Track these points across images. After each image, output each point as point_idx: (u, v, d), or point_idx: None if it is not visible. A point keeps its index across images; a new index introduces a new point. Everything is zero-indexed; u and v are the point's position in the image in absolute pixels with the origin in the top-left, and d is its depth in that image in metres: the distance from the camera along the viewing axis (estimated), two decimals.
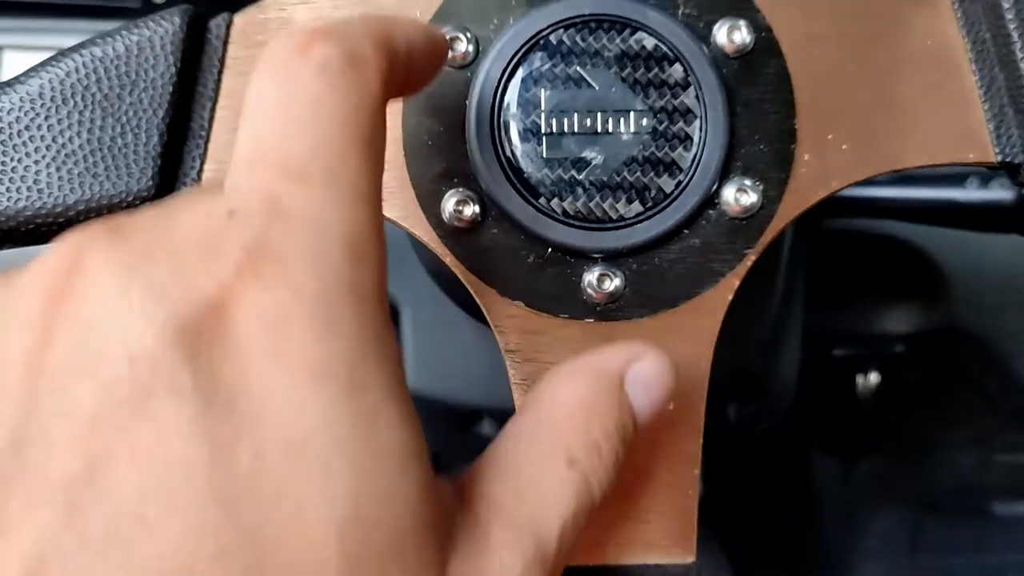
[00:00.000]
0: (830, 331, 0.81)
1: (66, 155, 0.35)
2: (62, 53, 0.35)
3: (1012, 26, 0.38)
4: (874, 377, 0.91)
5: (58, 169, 0.35)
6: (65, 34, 0.73)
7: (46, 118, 0.35)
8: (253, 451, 0.22)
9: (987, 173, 0.63)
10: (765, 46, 0.38)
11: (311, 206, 0.25)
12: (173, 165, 0.36)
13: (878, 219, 0.72)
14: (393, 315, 0.67)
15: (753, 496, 1.30)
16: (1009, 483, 1.02)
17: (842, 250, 0.75)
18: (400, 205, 0.38)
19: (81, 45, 0.36)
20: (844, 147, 0.38)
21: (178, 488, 0.21)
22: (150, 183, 0.35)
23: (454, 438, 0.71)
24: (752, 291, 0.59)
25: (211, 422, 0.22)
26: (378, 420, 0.24)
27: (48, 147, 0.35)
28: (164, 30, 0.36)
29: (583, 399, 0.32)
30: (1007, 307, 0.74)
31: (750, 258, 0.38)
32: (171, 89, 0.36)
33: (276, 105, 0.26)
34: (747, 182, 0.38)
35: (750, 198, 0.38)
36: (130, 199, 0.35)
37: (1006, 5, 0.38)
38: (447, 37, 0.37)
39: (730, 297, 0.39)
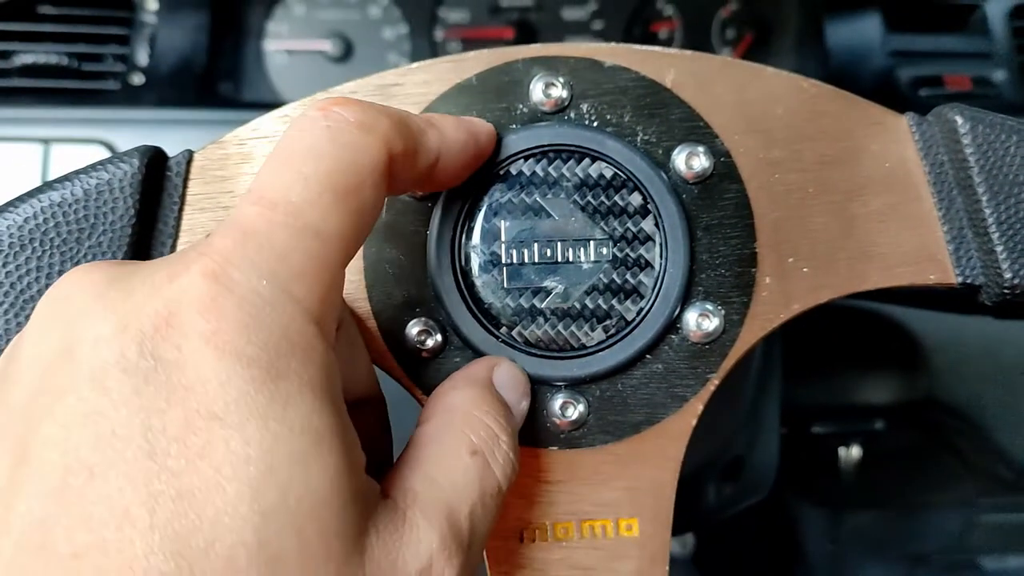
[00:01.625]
0: (810, 407, 0.81)
1: (23, 302, 0.35)
2: (19, 198, 0.35)
3: (969, 150, 0.38)
4: (856, 451, 0.91)
5: (16, 316, 0.35)
6: (51, 124, 0.73)
7: (3, 264, 0.35)
8: (183, 417, 0.26)
9: None
10: (724, 171, 0.38)
11: (266, 227, 0.29)
12: None
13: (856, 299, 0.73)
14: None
15: (744, 552, 1.30)
16: (996, 543, 1.01)
17: (819, 325, 0.75)
18: (362, 334, 0.38)
19: (39, 189, 0.36)
20: (805, 270, 0.38)
21: (119, 445, 0.26)
22: None
23: None
24: (729, 374, 0.59)
25: (150, 393, 0.26)
26: (292, 403, 0.27)
27: (6, 295, 0.35)
28: (123, 172, 0.36)
29: (472, 401, 0.36)
30: (983, 379, 0.74)
31: (713, 382, 0.38)
32: (130, 231, 0.36)
33: (282, 147, 0.30)
34: (709, 307, 0.38)
35: (712, 323, 0.38)
36: None
37: (963, 130, 0.38)
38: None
39: (694, 422, 0.39)
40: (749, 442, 0.68)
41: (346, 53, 0.93)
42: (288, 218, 0.29)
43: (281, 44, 0.93)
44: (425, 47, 0.93)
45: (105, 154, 0.71)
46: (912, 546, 1.07)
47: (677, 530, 1.01)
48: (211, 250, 0.28)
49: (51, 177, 0.68)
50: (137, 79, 0.83)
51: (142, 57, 0.85)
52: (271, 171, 0.30)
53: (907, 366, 0.76)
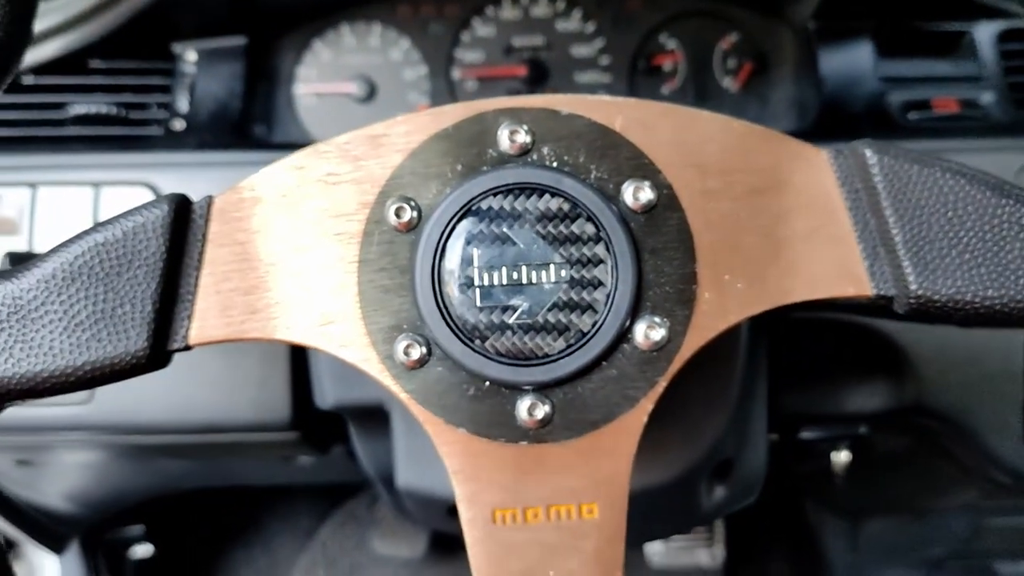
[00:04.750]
0: (799, 414, 0.86)
1: (75, 325, 0.42)
2: (70, 240, 0.43)
3: (877, 179, 0.43)
4: (845, 455, 0.95)
5: (68, 337, 0.42)
6: (100, 169, 0.81)
7: (58, 295, 0.42)
8: None
9: None
10: (667, 202, 0.44)
11: None
12: (164, 327, 0.43)
13: (839, 312, 0.77)
14: (386, 418, 0.74)
15: (770, 558, 1.33)
16: (1004, 546, 1.04)
17: (805, 335, 0.79)
18: (358, 350, 0.44)
19: (85, 232, 0.43)
20: (739, 286, 0.44)
21: None
22: (145, 344, 0.42)
23: (450, 526, 0.76)
24: (713, 379, 0.65)
25: None
26: None
27: (60, 319, 0.42)
28: (155, 215, 0.43)
29: None
30: (969, 386, 0.78)
31: (661, 385, 0.44)
32: (162, 264, 0.43)
33: None
34: (656, 319, 0.44)
35: (659, 333, 0.44)
36: (128, 358, 0.42)
37: (871, 161, 0.44)
38: (395, 206, 0.43)
39: (645, 419, 0.44)
40: (737, 445, 0.73)
41: (370, 94, 1.00)
42: None
43: (310, 88, 1.00)
44: (443, 86, 1.00)
45: (150, 195, 0.79)
46: (926, 551, 1.11)
47: (672, 530, 1.06)
48: None
49: (101, 217, 0.76)
50: (178, 125, 0.91)
51: (183, 104, 0.92)
52: None
53: (894, 374, 0.80)
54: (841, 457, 0.96)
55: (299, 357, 0.80)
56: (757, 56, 1.00)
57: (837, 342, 0.83)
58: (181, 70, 0.95)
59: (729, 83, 1.01)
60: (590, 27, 1.01)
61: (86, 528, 1.12)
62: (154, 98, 0.92)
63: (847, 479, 1.02)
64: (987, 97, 0.92)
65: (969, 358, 0.79)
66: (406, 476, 0.73)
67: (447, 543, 1.42)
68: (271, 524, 1.49)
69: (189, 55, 0.95)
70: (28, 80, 0.90)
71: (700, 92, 1.01)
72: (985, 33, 0.95)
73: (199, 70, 0.94)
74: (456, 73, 1.01)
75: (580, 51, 1.01)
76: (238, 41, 0.96)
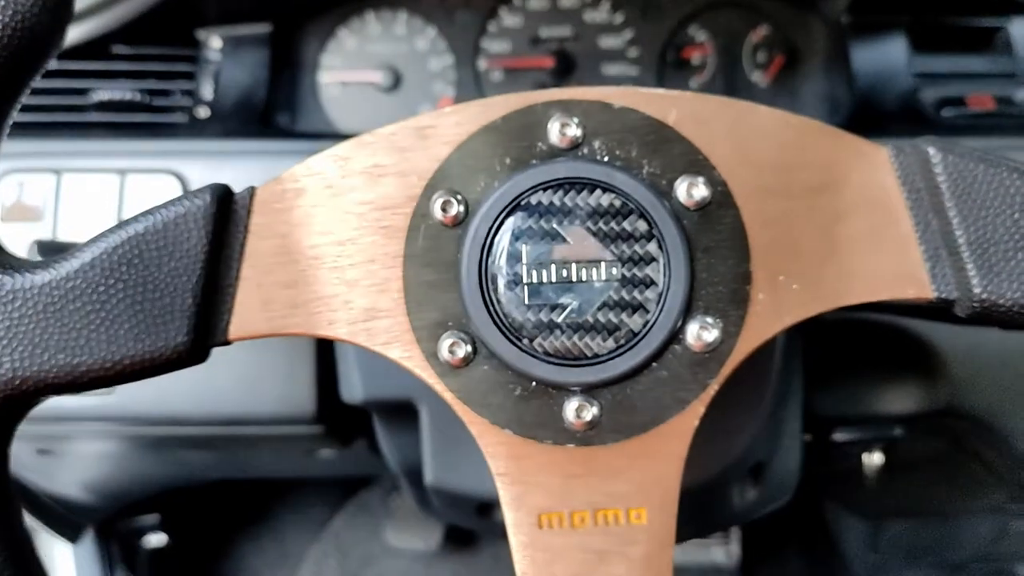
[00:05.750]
0: (832, 416, 0.84)
1: (114, 317, 0.41)
2: (110, 230, 0.42)
3: (940, 178, 0.42)
4: (878, 457, 0.94)
5: (107, 330, 0.41)
6: (125, 156, 0.80)
7: (96, 287, 0.41)
8: None
9: None
10: (721, 199, 0.43)
11: None
12: (205, 321, 0.42)
13: (875, 313, 0.76)
14: (414, 413, 0.73)
15: (785, 562, 1.33)
16: None
17: (840, 336, 0.78)
18: (402, 347, 0.43)
19: (126, 222, 0.42)
20: (795, 287, 0.43)
21: None
22: (185, 338, 0.41)
23: (478, 524, 0.75)
24: (749, 382, 0.63)
25: None
26: None
27: (97, 312, 0.41)
28: (197, 206, 0.42)
29: None
30: (1003, 389, 0.77)
31: (713, 387, 0.43)
32: (203, 256, 0.41)
33: None
34: (708, 320, 0.42)
35: (711, 334, 0.42)
36: (168, 353, 0.41)
37: (935, 160, 0.42)
38: (442, 200, 0.42)
39: (696, 423, 0.43)
40: (771, 448, 0.72)
41: (395, 83, 0.98)
42: None
43: (335, 76, 0.99)
44: (469, 77, 0.99)
45: (175, 183, 0.78)
46: (948, 554, 1.10)
47: (704, 531, 1.05)
48: None
49: (127, 204, 0.75)
50: (203, 112, 0.90)
51: (207, 92, 0.91)
52: None
53: (927, 376, 0.79)
54: (874, 459, 0.95)
55: (324, 350, 0.79)
56: (788, 50, 0.99)
57: (870, 343, 0.82)
58: (205, 57, 0.94)
59: (759, 77, 0.99)
60: (618, 18, 0.99)
61: (101, 517, 1.11)
62: (178, 85, 0.91)
63: (872, 481, 1.01)
64: (1023, 94, 0.91)
65: (1002, 361, 0.78)
66: (435, 473, 0.72)
67: (461, 536, 1.41)
68: (283, 514, 1.49)
69: (214, 42, 0.94)
70: (51, 65, 0.89)
71: (729, 86, 0.99)
72: (1020, 29, 0.94)
73: (224, 57, 0.93)
74: (482, 63, 0.99)
75: (608, 42, 1.00)
76: (263, 28, 0.95)
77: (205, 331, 0.42)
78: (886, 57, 0.94)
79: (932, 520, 1.10)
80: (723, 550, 1.40)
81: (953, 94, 0.90)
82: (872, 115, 0.90)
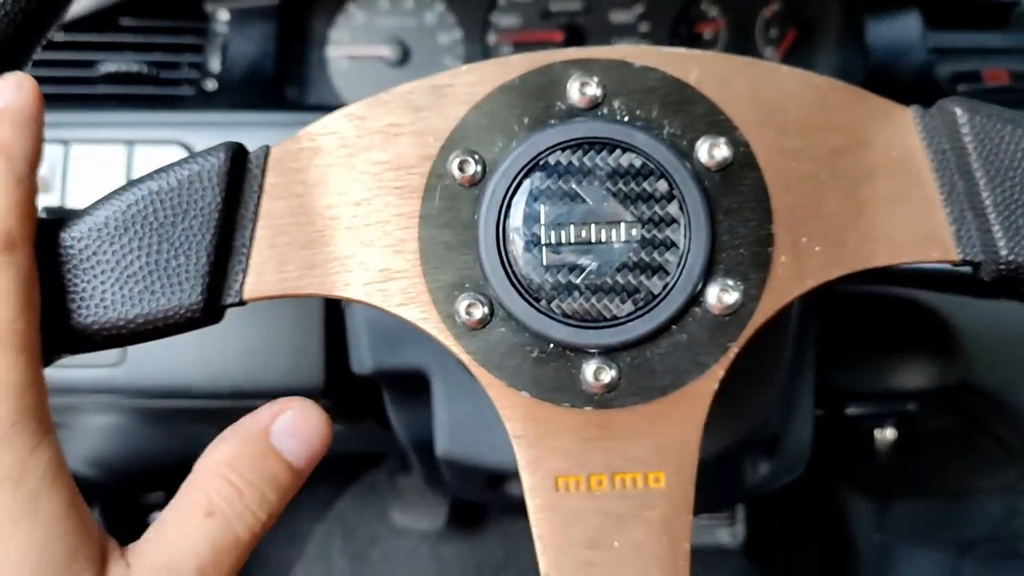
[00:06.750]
0: (845, 390, 0.84)
1: (128, 276, 0.40)
2: (123, 188, 0.41)
3: (967, 139, 0.41)
4: (891, 432, 0.93)
5: (121, 288, 0.40)
6: (133, 127, 0.79)
7: (110, 244, 0.40)
8: None
9: None
10: (743, 160, 0.42)
11: None
12: (219, 281, 0.41)
13: (891, 285, 0.75)
14: (424, 385, 0.72)
15: (793, 541, 1.32)
16: None
17: (854, 310, 0.78)
18: (418, 308, 0.42)
19: (139, 179, 0.41)
20: (817, 249, 0.42)
21: None
22: (199, 298, 0.41)
23: (488, 496, 0.75)
24: (763, 354, 0.63)
25: None
26: (38, 500, 0.35)
27: (112, 269, 0.40)
28: (211, 164, 0.41)
29: (225, 456, 0.39)
30: (1018, 365, 0.76)
31: (733, 351, 0.42)
32: (217, 215, 0.41)
33: None
34: (729, 283, 0.42)
35: (732, 297, 0.42)
36: (182, 312, 0.41)
37: (962, 120, 0.42)
38: (459, 160, 0.42)
39: (715, 386, 0.43)
40: (784, 422, 0.72)
41: (404, 58, 0.98)
42: None
43: (343, 50, 0.98)
44: (478, 51, 0.98)
45: (183, 154, 0.77)
46: (957, 533, 1.09)
47: (717, 506, 1.05)
48: None
49: (135, 175, 0.75)
50: (210, 85, 0.89)
51: (215, 64, 0.90)
52: None
53: (941, 351, 0.78)
54: (887, 435, 0.94)
55: (334, 322, 0.78)
56: (801, 24, 0.98)
57: (885, 317, 0.81)
58: (213, 30, 0.92)
59: (771, 53, 0.98)
60: None
61: (107, 494, 1.11)
62: (186, 58, 0.90)
63: (884, 457, 1.00)
64: None
65: (1018, 337, 0.78)
66: (446, 445, 0.71)
67: (468, 516, 1.41)
68: None
69: (221, 15, 0.93)
70: (58, 37, 0.89)
71: None
72: None
73: (231, 30, 0.92)
74: (491, 38, 0.99)
75: (619, 17, 0.99)
76: (271, 1, 0.94)
77: (219, 291, 0.42)
78: (901, 32, 0.93)
79: (943, 498, 1.09)
80: (728, 531, 1.40)
81: (968, 69, 0.89)
82: (887, 90, 0.89)
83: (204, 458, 0.40)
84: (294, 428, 0.41)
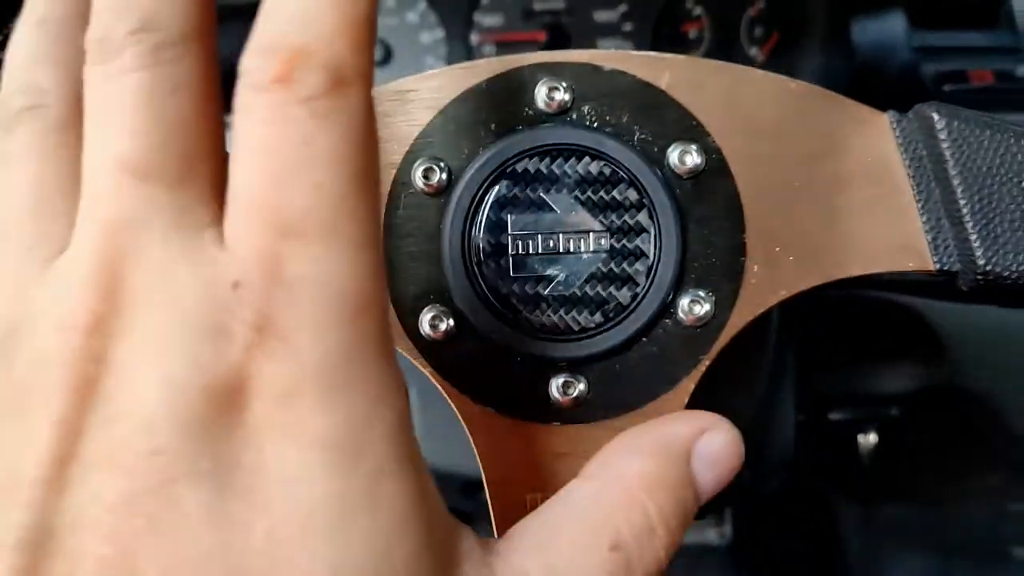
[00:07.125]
0: (828, 395, 0.83)
1: None
2: None
3: (945, 145, 0.40)
4: (872, 437, 0.93)
5: None
6: None
7: None
8: (267, 529, 0.23)
9: None
10: (715, 167, 0.41)
11: (311, 268, 0.24)
12: None
13: (872, 290, 0.75)
14: None
15: (780, 543, 1.31)
16: None
17: (836, 314, 0.77)
18: None
19: None
20: (791, 258, 0.41)
21: (199, 569, 0.23)
22: None
23: (464, 505, 0.74)
24: (742, 359, 0.62)
25: (229, 505, 0.23)
26: (380, 482, 0.25)
27: None
28: None
29: (645, 477, 0.31)
30: (1003, 368, 0.76)
31: (704, 363, 0.41)
32: None
33: (264, 150, 0.25)
34: (700, 293, 0.41)
35: (703, 308, 0.41)
36: None
37: (939, 125, 0.40)
38: (423, 167, 0.40)
39: (686, 399, 0.41)
40: (764, 429, 0.71)
41: (386, 57, 0.96)
42: (326, 249, 0.25)
43: None
44: (461, 50, 0.97)
45: None
46: (944, 537, 1.09)
47: (699, 513, 1.04)
48: (260, 318, 0.24)
49: None
50: None
51: None
52: (274, 184, 0.25)
53: (925, 355, 0.78)
54: (869, 440, 0.94)
55: None
56: (786, 25, 0.97)
57: (867, 320, 0.81)
58: None
59: (756, 52, 0.97)
60: None
61: None
62: None
63: (867, 462, 1.00)
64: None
65: (1003, 340, 0.77)
66: (425, 452, 0.70)
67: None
68: None
69: None
70: None
71: (726, 61, 0.97)
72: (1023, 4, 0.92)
73: None
74: (474, 37, 0.97)
75: (602, 16, 0.98)
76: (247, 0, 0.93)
77: None
78: (886, 32, 0.92)
79: (929, 501, 1.09)
80: (715, 531, 1.39)
81: (953, 68, 0.89)
82: (872, 90, 0.89)
83: (615, 467, 0.32)
84: (718, 455, 0.34)
